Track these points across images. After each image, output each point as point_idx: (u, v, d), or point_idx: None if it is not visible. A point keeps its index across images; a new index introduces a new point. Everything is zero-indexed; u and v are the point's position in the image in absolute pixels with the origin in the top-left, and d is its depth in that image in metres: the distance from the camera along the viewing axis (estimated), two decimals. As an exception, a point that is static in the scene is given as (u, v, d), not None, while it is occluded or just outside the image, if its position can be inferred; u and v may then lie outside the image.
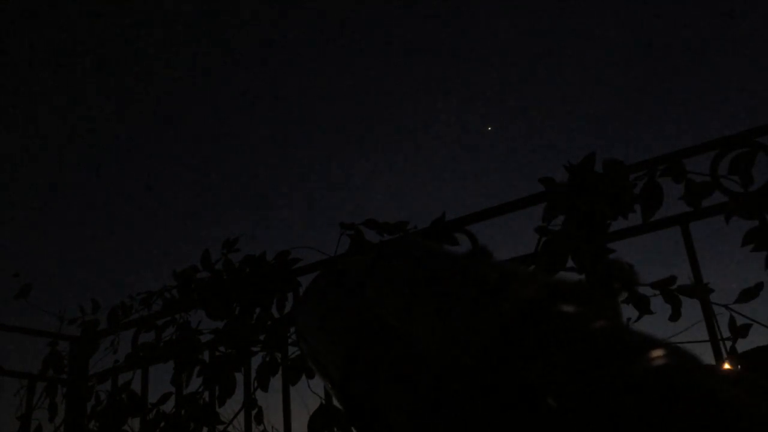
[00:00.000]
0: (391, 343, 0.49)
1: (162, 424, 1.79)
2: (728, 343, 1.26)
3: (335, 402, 1.58)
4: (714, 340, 1.26)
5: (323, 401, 1.59)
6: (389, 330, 0.49)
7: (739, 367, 1.19)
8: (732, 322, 1.26)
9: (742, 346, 1.24)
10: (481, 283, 0.41)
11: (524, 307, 0.38)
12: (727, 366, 1.22)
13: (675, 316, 1.31)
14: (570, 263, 1.39)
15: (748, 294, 1.26)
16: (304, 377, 1.64)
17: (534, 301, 0.38)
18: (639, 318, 1.33)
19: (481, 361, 0.38)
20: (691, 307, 1.30)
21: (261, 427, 1.70)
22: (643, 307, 1.33)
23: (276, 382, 1.69)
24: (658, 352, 0.32)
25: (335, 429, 1.54)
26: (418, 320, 0.45)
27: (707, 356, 1.26)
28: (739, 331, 1.25)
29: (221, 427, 1.73)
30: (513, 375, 0.36)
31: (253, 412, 1.71)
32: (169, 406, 1.82)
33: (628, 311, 1.34)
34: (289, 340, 1.70)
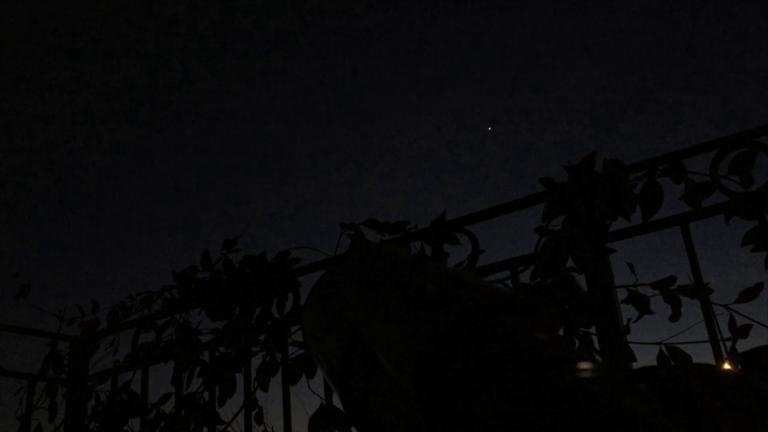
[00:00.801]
0: None
1: (162, 424, 1.79)
2: (728, 344, 1.25)
3: (335, 402, 1.58)
4: (714, 340, 1.26)
5: (323, 401, 1.59)
6: None
7: (739, 367, 1.19)
8: (732, 322, 1.26)
9: (743, 346, 1.24)
10: (420, 293, 0.42)
11: (458, 319, 0.38)
12: (727, 366, 1.22)
13: (675, 316, 1.31)
14: (570, 263, 1.39)
15: (748, 294, 1.26)
16: (304, 377, 1.64)
17: (468, 313, 0.39)
18: (639, 318, 1.33)
19: (417, 372, 0.38)
20: (691, 307, 1.30)
21: (261, 427, 1.70)
22: (643, 307, 1.33)
23: (276, 382, 1.69)
24: (582, 366, 0.33)
25: (335, 429, 1.54)
26: (370, 327, 0.46)
27: (707, 356, 1.26)
28: (739, 332, 1.25)
29: (221, 427, 1.73)
30: (445, 384, 0.37)
31: (253, 412, 1.71)
32: (169, 406, 1.82)
33: (629, 311, 1.35)
34: (289, 340, 1.70)
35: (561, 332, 1.37)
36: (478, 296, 0.40)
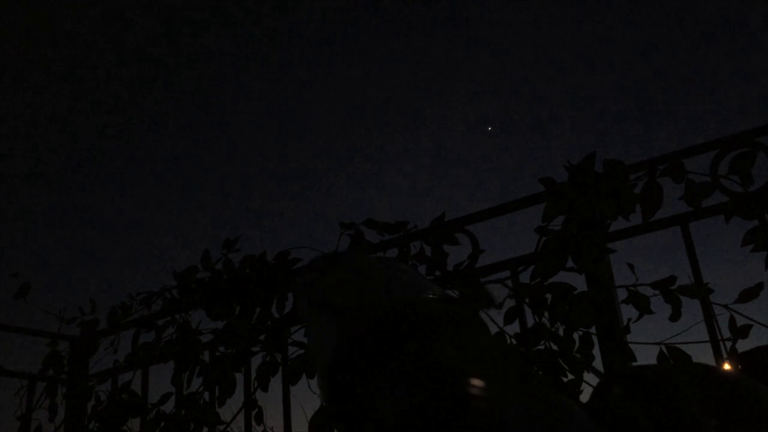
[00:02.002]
0: None
1: (162, 424, 1.79)
2: (728, 344, 1.25)
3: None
4: (714, 340, 1.26)
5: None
6: None
7: (739, 367, 1.19)
8: (732, 322, 1.26)
9: (743, 346, 1.24)
10: (332, 302, 0.44)
11: (369, 329, 0.40)
12: (727, 366, 1.22)
13: (675, 316, 1.31)
14: (570, 263, 1.39)
15: (748, 294, 1.26)
16: (304, 377, 1.64)
17: (381, 323, 0.41)
18: (639, 318, 1.33)
19: (328, 376, 0.41)
20: (691, 307, 1.30)
21: (261, 427, 1.70)
22: (643, 307, 1.33)
23: (276, 382, 1.69)
24: (475, 382, 0.35)
25: (335, 429, 1.54)
26: (310, 331, 0.49)
27: (707, 356, 1.26)
28: (739, 332, 1.24)
29: (221, 427, 1.73)
30: (347, 392, 0.39)
31: (253, 412, 1.71)
32: (169, 406, 1.82)
33: (629, 311, 1.35)
34: (289, 340, 1.70)
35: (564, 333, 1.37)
36: (393, 309, 0.41)
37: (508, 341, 1.40)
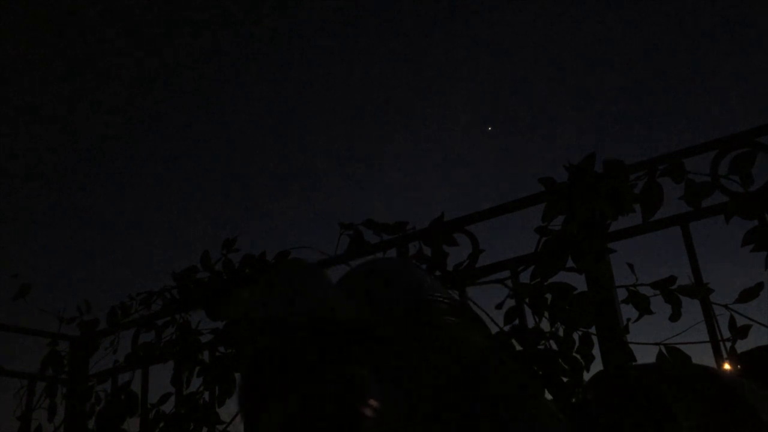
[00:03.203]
0: None
1: (162, 424, 1.79)
2: (728, 344, 1.25)
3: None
4: (714, 340, 1.26)
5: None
6: None
7: (738, 367, 1.19)
8: (732, 322, 1.26)
9: (743, 346, 1.24)
10: (251, 317, 0.47)
11: (276, 346, 0.42)
12: (727, 366, 1.22)
13: (675, 316, 1.31)
14: (570, 263, 1.39)
15: (748, 294, 1.26)
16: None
17: (274, 342, 0.43)
18: (639, 318, 1.33)
19: (241, 386, 0.43)
20: (691, 307, 1.30)
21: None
22: (643, 307, 1.33)
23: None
24: (369, 402, 0.37)
25: None
26: None
27: (707, 356, 1.26)
28: (739, 332, 1.24)
29: (221, 427, 1.73)
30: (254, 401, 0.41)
31: (253, 412, 1.71)
32: (169, 406, 1.82)
33: (629, 311, 1.35)
34: (289, 340, 1.70)
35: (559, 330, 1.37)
36: (301, 326, 0.43)
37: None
